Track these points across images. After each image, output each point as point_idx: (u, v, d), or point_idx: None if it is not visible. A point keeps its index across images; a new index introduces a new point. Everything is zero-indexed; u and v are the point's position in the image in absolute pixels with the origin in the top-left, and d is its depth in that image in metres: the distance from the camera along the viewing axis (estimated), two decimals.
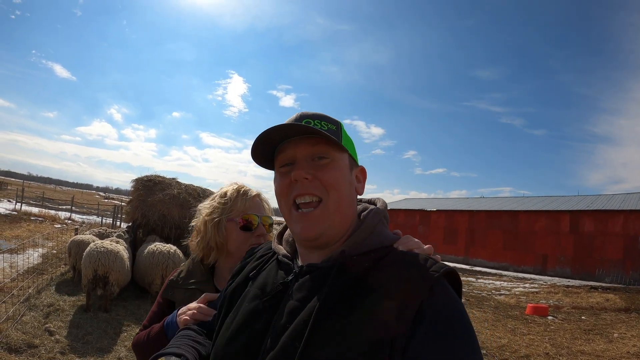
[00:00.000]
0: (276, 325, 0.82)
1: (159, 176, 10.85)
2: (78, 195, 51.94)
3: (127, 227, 10.39)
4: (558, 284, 17.80)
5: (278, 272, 0.94)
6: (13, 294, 6.52)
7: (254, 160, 0.97)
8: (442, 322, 0.74)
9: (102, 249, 6.89)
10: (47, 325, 5.77)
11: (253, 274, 0.99)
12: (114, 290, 6.87)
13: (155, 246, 8.04)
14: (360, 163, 1.01)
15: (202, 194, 10.68)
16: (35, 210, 23.30)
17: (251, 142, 0.93)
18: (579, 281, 19.35)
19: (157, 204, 10.04)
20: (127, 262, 7.26)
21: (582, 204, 23.96)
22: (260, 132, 0.89)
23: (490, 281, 18.01)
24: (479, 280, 18.04)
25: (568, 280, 19.80)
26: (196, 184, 11.50)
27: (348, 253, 0.84)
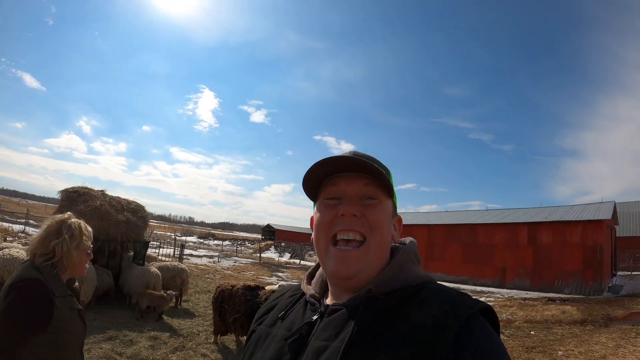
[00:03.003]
0: None
1: (85, 187, 10.46)
2: (42, 209, 50.05)
3: None
4: (515, 296, 17.83)
5: (305, 312, 0.93)
6: None
7: (306, 185, 0.93)
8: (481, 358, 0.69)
9: (9, 256, 6.77)
10: None
11: (282, 315, 0.96)
12: None
13: None
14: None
15: (126, 206, 10.32)
16: None
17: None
18: (538, 293, 19.52)
19: (78, 216, 9.58)
20: None
21: (540, 215, 24.17)
22: (317, 160, 0.88)
23: None
24: None
25: (527, 292, 19.94)
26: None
27: (375, 291, 0.82)
